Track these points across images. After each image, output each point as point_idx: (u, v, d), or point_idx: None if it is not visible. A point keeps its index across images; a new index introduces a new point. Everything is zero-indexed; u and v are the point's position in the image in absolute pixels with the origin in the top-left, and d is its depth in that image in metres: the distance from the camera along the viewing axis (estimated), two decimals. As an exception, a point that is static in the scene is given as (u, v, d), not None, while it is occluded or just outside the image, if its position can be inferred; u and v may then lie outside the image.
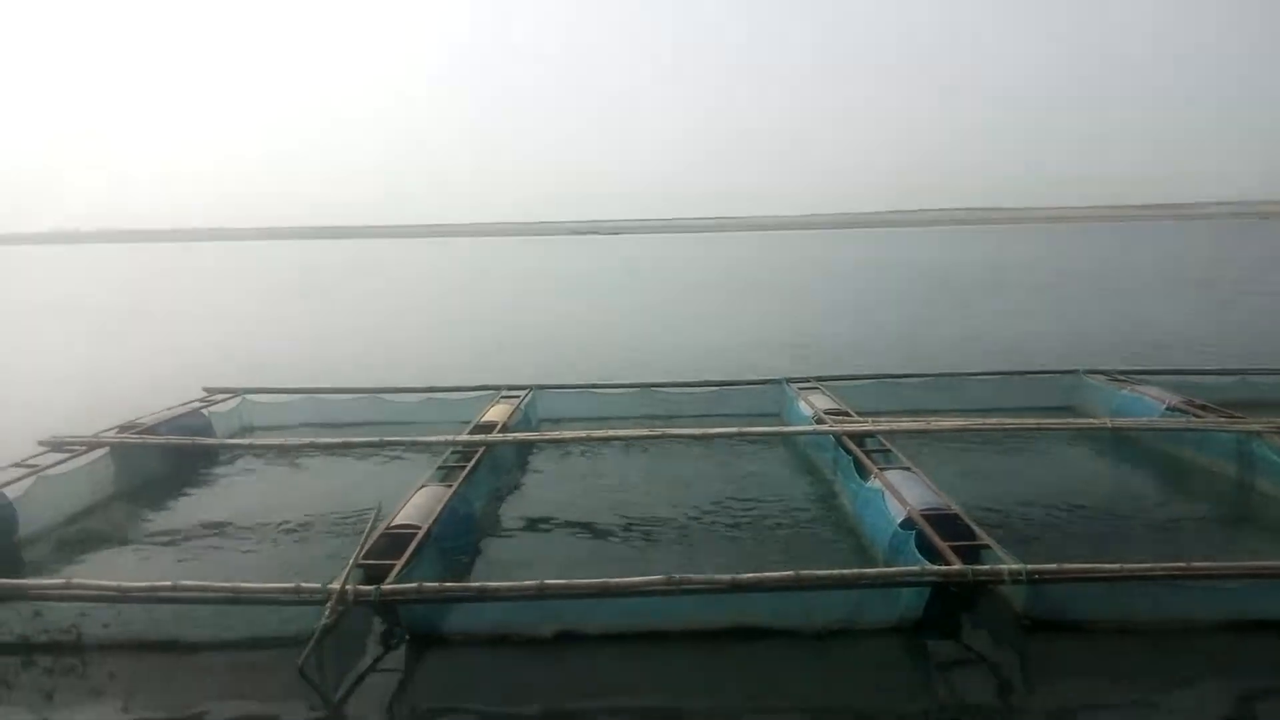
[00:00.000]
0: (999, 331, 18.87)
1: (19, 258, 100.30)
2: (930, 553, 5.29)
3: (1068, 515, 6.98)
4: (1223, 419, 8.29)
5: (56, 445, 8.02)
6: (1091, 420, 9.18)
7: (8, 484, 6.99)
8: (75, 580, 5.10)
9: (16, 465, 7.42)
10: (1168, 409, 8.99)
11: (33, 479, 7.22)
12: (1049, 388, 11.07)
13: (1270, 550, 6.05)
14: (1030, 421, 8.79)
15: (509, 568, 6.01)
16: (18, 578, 5.59)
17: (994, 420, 8.74)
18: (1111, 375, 10.81)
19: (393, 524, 5.93)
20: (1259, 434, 7.54)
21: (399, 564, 5.21)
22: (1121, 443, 9.00)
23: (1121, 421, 8.72)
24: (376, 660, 4.86)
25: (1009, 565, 4.96)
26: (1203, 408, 8.80)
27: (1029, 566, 4.90)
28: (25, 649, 4.94)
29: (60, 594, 5.02)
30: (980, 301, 26.04)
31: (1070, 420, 9.44)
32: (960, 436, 8.94)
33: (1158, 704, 4.34)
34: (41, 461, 7.60)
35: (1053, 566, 4.93)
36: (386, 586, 4.89)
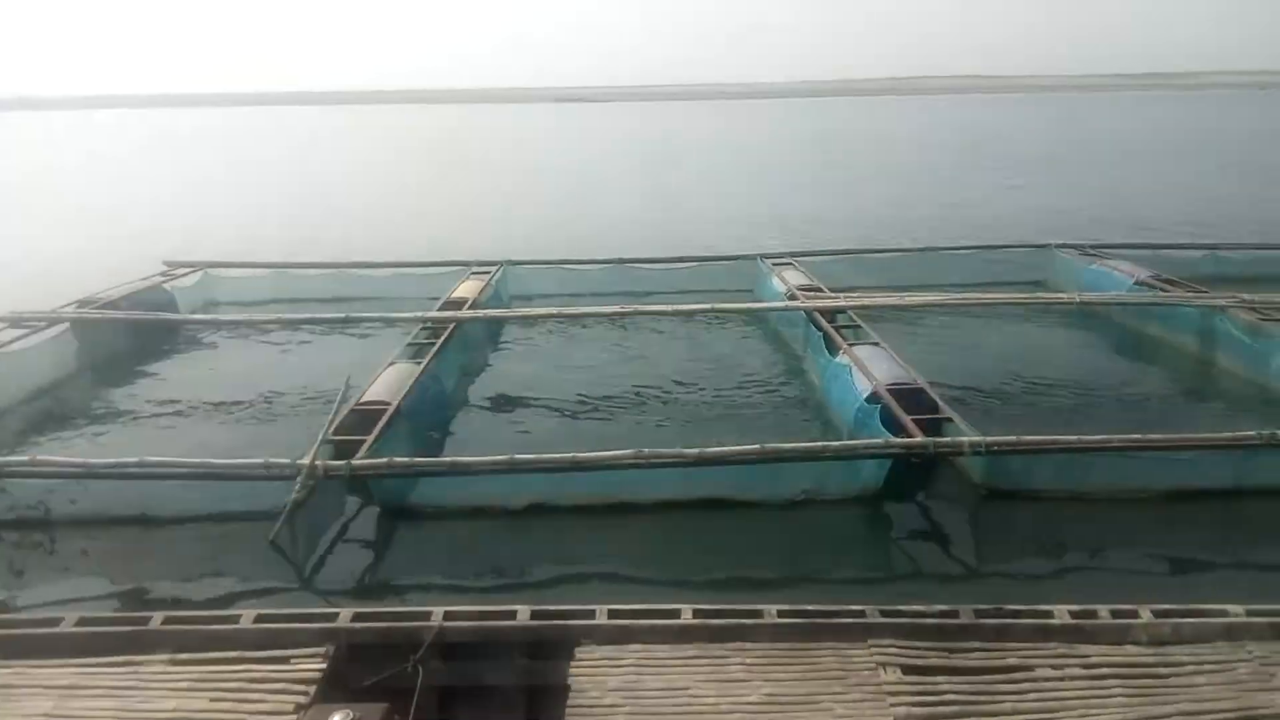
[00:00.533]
0: (980, 204, 18.76)
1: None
2: (894, 426, 5.37)
3: (1032, 389, 7.10)
4: (1189, 294, 8.36)
5: (15, 321, 7.83)
6: (1059, 295, 9.23)
7: (-35, 360, 6.87)
8: (40, 457, 5.06)
9: (-28, 342, 7.26)
10: (1136, 284, 9.04)
11: (-9, 355, 7.09)
12: (1021, 262, 11.09)
13: (1223, 423, 6.20)
14: (1000, 296, 8.83)
15: (480, 443, 6.04)
16: (-19, 455, 5.55)
17: (963, 295, 8.77)
18: (1083, 249, 10.82)
19: (362, 400, 5.89)
20: (1224, 309, 7.62)
21: (369, 439, 5.20)
22: (1089, 317, 9.09)
23: (1089, 296, 8.77)
24: (348, 533, 4.95)
25: (969, 437, 5.06)
26: (1170, 282, 8.86)
27: (988, 439, 4.99)
28: (-7, 525, 4.95)
29: (25, 471, 4.98)
30: (964, 173, 25.75)
31: (1039, 295, 9.49)
32: (930, 311, 8.98)
33: (1105, 568, 4.54)
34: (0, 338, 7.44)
35: (1011, 439, 5.02)
36: (357, 461, 4.90)
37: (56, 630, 3.33)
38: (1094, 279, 9.66)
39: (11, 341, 7.43)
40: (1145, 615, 3.21)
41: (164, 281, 9.97)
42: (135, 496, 4.93)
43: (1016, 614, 3.26)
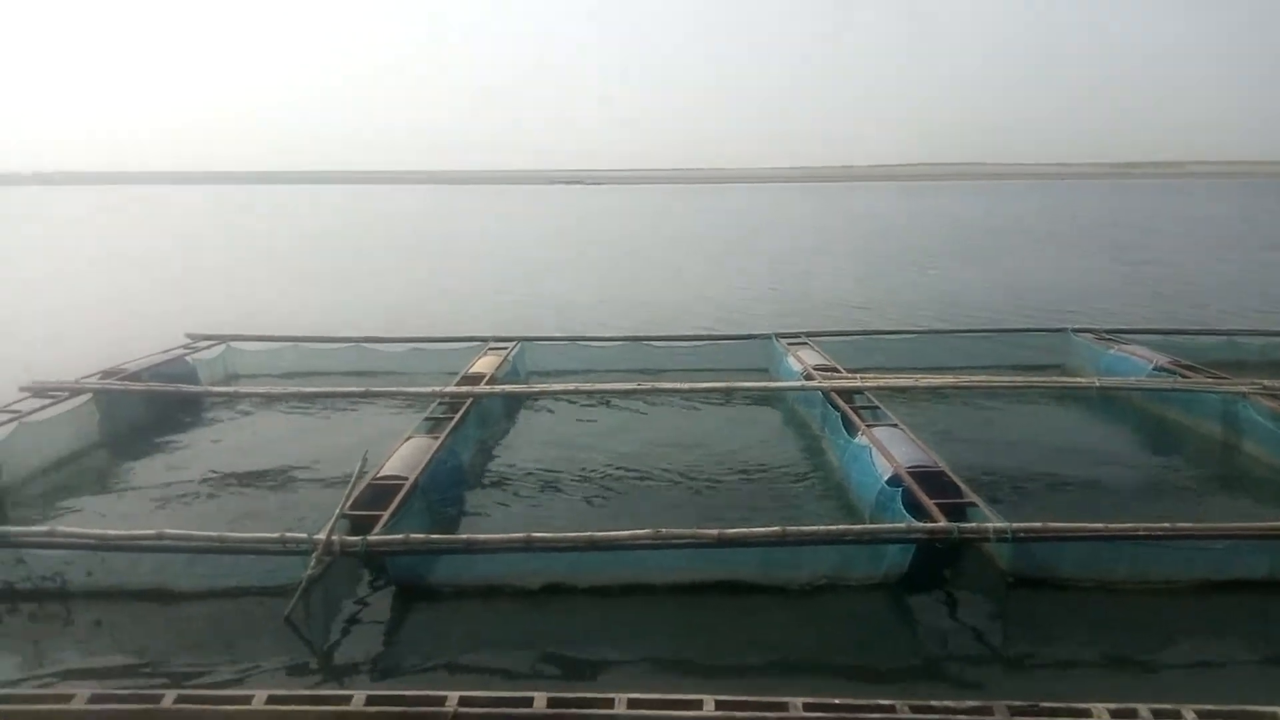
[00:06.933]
0: (991, 286, 18.88)
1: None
2: (916, 509, 5.30)
3: (1053, 474, 7.01)
4: (1209, 380, 8.32)
5: (38, 391, 7.92)
6: (1079, 379, 9.20)
7: (-11, 430, 6.92)
8: (58, 528, 5.05)
9: (-3, 411, 7.33)
10: (1155, 369, 9.00)
11: (15, 425, 7.14)
12: (1037, 345, 11.09)
13: (1253, 511, 6.10)
14: (1018, 379, 8.81)
15: (496, 520, 6.02)
16: (0, 524, 5.55)
17: (982, 378, 8.75)
18: (1099, 334, 10.82)
19: (379, 475, 5.89)
20: (1245, 395, 7.57)
21: (386, 515, 5.19)
22: (1108, 402, 9.03)
23: (1109, 381, 8.74)
24: (363, 611, 4.87)
25: (994, 523, 4.98)
26: (1189, 368, 8.82)
27: (1013, 525, 4.92)
28: (9, 596, 4.90)
29: (43, 541, 4.97)
30: (977, 255, 26.00)
31: (1058, 379, 9.45)
32: (948, 393, 8.94)
33: (1135, 661, 4.39)
34: (23, 407, 7.51)
35: (1037, 525, 4.95)
36: (373, 538, 4.87)
37: (68, 707, 3.29)
38: (1112, 364, 9.63)
39: (34, 411, 7.49)
40: (1189, 716, 3.11)
41: (186, 354, 10.08)
42: (151, 569, 4.90)
43: (1053, 713, 3.16)
